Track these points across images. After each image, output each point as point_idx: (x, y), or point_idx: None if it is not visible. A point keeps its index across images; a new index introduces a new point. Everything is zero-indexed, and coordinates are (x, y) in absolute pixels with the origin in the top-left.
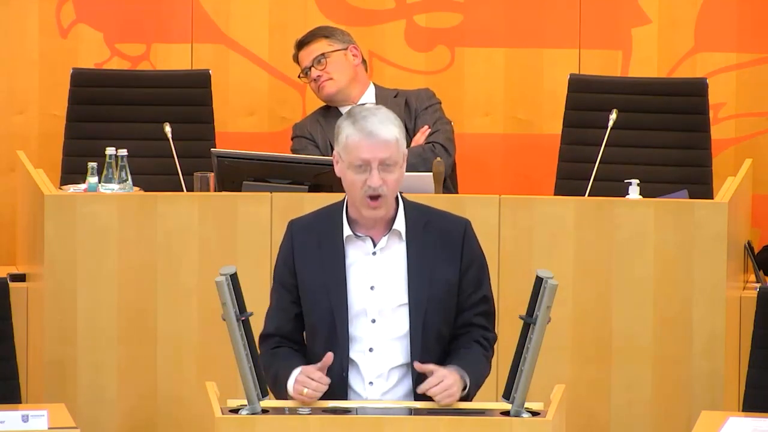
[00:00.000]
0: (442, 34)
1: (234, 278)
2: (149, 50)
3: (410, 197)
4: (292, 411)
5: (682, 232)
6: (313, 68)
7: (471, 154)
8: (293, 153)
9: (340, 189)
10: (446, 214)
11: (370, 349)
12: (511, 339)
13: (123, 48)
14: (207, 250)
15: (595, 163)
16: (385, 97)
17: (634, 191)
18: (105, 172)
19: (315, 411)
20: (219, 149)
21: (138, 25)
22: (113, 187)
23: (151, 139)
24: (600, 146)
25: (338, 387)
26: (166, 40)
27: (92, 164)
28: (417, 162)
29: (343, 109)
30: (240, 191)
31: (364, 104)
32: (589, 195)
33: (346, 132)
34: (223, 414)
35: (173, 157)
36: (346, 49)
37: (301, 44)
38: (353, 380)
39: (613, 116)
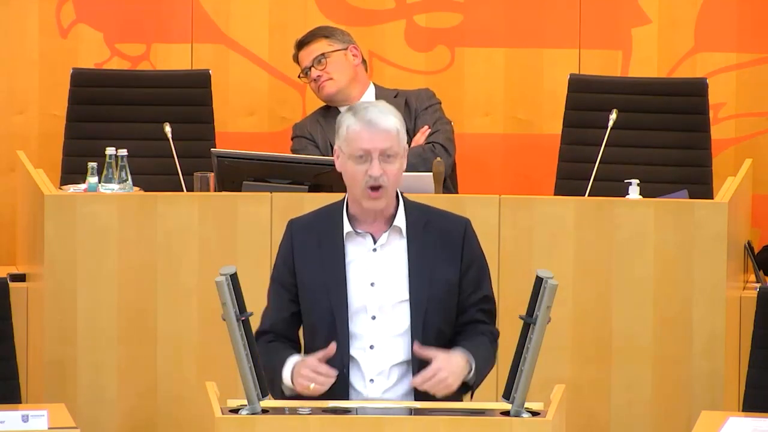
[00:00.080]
0: (442, 34)
1: (234, 278)
2: (149, 50)
3: (410, 197)
4: (292, 411)
5: (682, 232)
6: (313, 68)
7: (471, 154)
8: (293, 153)
9: (340, 189)
10: (446, 214)
11: (371, 347)
12: (511, 339)
13: (123, 48)
14: (207, 250)
15: (595, 163)
16: (385, 97)
17: (634, 191)
18: (105, 172)
19: (315, 411)
20: (219, 149)
21: (138, 25)
22: (113, 187)
23: (151, 139)
24: (600, 146)
25: (339, 385)
26: (166, 40)
27: (92, 164)
28: (417, 162)
29: (343, 110)
30: (240, 191)
31: None
32: (589, 195)
33: (347, 123)
34: (223, 414)
35: (173, 157)
36: (346, 49)
37: (301, 44)
38: (354, 378)
39: (613, 116)
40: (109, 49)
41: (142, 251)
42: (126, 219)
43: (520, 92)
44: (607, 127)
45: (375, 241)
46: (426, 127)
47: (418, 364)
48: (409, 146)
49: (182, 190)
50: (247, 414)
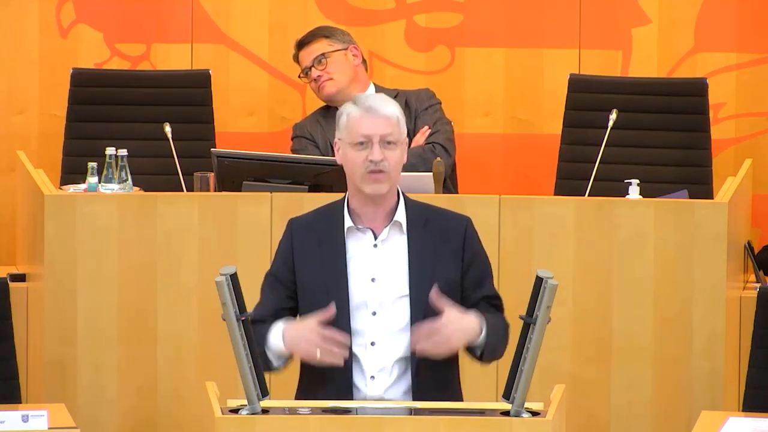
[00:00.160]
0: (442, 34)
1: (234, 278)
2: (149, 50)
3: (411, 196)
4: (292, 411)
5: (682, 232)
6: (313, 68)
7: (471, 154)
8: (293, 153)
9: (340, 189)
10: (447, 212)
11: (372, 343)
12: (511, 339)
13: (123, 48)
14: (207, 250)
15: (595, 163)
16: None
17: (634, 191)
18: (105, 172)
19: (315, 411)
20: (219, 149)
21: (138, 25)
22: (113, 187)
23: (151, 139)
24: (600, 146)
25: (341, 382)
26: (166, 40)
27: (92, 164)
28: (417, 162)
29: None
30: (240, 191)
31: None
32: (589, 195)
33: (347, 111)
34: (223, 414)
35: (173, 157)
36: (346, 49)
37: (301, 44)
38: (354, 375)
39: (613, 116)
40: (109, 49)
41: (142, 251)
42: (126, 219)
43: (520, 92)
44: (607, 127)
45: (376, 237)
46: (426, 127)
47: (416, 361)
48: (409, 146)
49: (182, 190)
50: (247, 414)
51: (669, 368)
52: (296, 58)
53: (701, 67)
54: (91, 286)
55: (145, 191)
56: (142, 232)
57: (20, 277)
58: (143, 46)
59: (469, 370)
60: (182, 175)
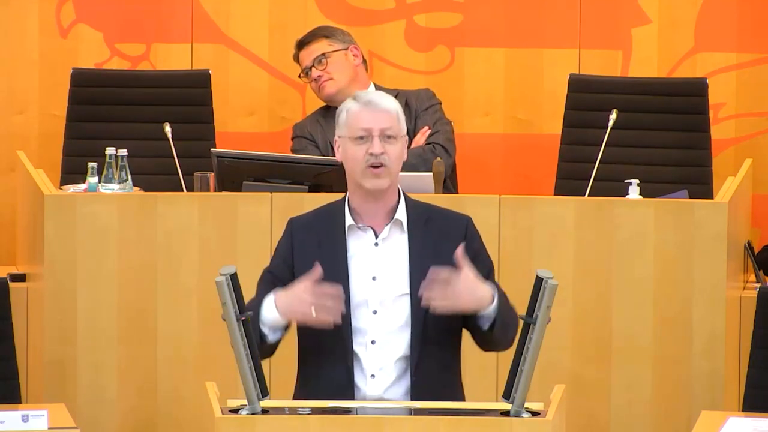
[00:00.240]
0: (442, 34)
1: (234, 278)
2: (149, 50)
3: (411, 196)
4: (292, 411)
5: (682, 232)
6: (313, 68)
7: (471, 154)
8: (293, 153)
9: (340, 189)
10: (448, 211)
11: (372, 342)
12: None
13: (123, 48)
14: (207, 250)
15: (595, 163)
16: None
17: (634, 191)
18: (105, 172)
19: (315, 411)
20: (219, 149)
21: (138, 25)
22: (113, 187)
23: (151, 139)
24: (600, 146)
25: (343, 381)
26: (166, 40)
27: (92, 164)
28: (417, 162)
29: None
30: (240, 191)
31: None
32: (589, 195)
33: (347, 107)
34: (223, 414)
35: (173, 157)
36: (346, 49)
37: (301, 44)
38: (355, 374)
39: (613, 116)
40: (109, 49)
41: (142, 251)
42: (126, 219)
43: (520, 92)
44: (607, 127)
45: (377, 236)
46: (426, 127)
47: (416, 360)
48: (409, 147)
49: (182, 190)
50: (247, 414)
51: (669, 368)
52: (296, 58)
53: (701, 67)
54: (91, 286)
55: (145, 191)
56: (142, 232)
57: (20, 277)
58: (143, 46)
59: (469, 370)
60: (182, 175)
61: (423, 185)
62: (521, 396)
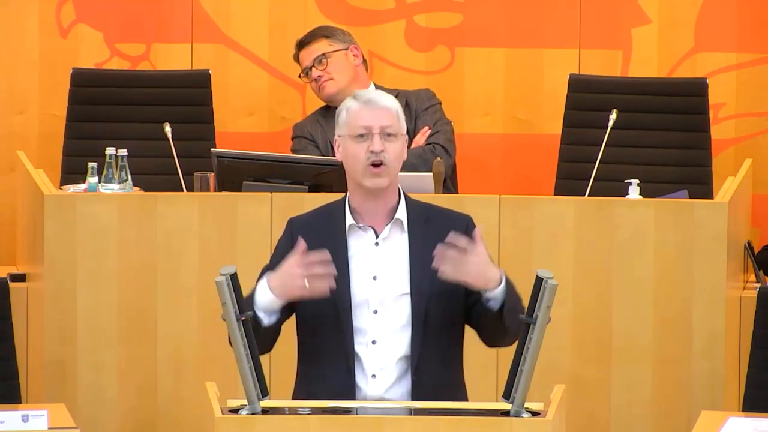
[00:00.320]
0: (442, 34)
1: (234, 278)
2: (149, 50)
3: (412, 196)
4: (292, 411)
5: (682, 232)
6: (313, 68)
7: (471, 154)
8: (293, 153)
9: (340, 189)
10: (448, 211)
11: (373, 342)
12: None
13: (123, 48)
14: (207, 250)
15: (595, 163)
16: None
17: (634, 191)
18: (105, 172)
19: (315, 411)
20: (219, 149)
21: (138, 25)
22: (113, 187)
23: (151, 139)
24: (600, 146)
25: (344, 381)
26: (166, 40)
27: (92, 164)
28: (417, 162)
29: None
30: (240, 191)
31: None
32: (589, 195)
33: (347, 106)
34: (223, 414)
35: (173, 157)
36: (346, 49)
37: (301, 44)
38: (356, 374)
39: (613, 116)
40: (109, 49)
41: (142, 251)
42: (126, 219)
43: (520, 92)
44: (607, 127)
45: (377, 235)
46: (426, 128)
47: (417, 359)
48: (409, 147)
49: (182, 190)
50: (247, 414)
51: (669, 368)
52: (296, 58)
53: (701, 67)
54: (91, 286)
55: (145, 191)
56: (142, 232)
57: (20, 277)
58: (143, 46)
59: (469, 369)
60: (182, 175)
61: (423, 185)
62: (521, 396)
